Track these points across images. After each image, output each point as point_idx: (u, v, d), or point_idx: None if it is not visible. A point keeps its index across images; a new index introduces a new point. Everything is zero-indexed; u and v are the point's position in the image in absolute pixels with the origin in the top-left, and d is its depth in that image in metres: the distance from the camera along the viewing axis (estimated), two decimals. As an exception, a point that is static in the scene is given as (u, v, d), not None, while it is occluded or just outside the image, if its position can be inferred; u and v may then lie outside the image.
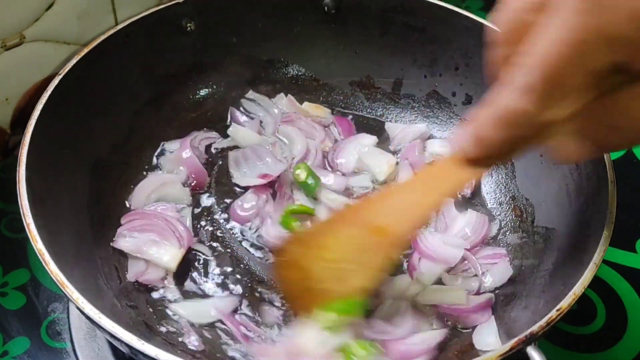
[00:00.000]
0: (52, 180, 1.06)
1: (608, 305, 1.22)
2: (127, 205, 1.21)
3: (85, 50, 1.17)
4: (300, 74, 1.43)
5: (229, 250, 1.18)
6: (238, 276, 1.14)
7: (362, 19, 1.36)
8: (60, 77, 1.12)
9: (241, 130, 1.34)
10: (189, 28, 1.31)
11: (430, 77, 1.35)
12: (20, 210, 0.95)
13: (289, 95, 1.41)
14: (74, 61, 1.15)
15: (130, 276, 1.11)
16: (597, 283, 1.24)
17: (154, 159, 1.30)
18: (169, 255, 1.12)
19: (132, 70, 1.27)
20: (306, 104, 1.41)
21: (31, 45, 1.22)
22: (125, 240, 1.13)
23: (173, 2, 1.28)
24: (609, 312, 1.21)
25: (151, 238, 1.13)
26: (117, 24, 1.30)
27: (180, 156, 1.27)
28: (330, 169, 1.31)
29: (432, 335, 1.04)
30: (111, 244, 1.13)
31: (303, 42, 1.40)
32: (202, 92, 1.38)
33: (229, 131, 1.34)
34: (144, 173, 1.27)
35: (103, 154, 1.21)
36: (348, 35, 1.38)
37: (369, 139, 1.34)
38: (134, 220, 1.15)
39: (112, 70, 1.22)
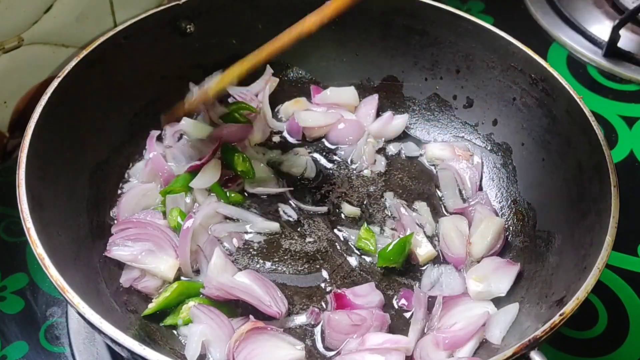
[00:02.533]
0: (51, 184, 1.05)
1: (610, 309, 1.22)
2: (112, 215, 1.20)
3: (84, 53, 1.16)
4: (300, 76, 1.43)
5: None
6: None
7: (363, 22, 1.35)
8: (59, 80, 1.11)
9: (192, 123, 1.30)
10: (188, 30, 1.31)
11: (431, 79, 1.35)
12: (20, 214, 0.94)
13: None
14: (72, 64, 1.14)
15: (124, 281, 1.10)
16: (598, 287, 1.21)
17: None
18: (166, 266, 1.10)
19: (131, 72, 1.26)
20: (285, 104, 1.40)
21: (30, 48, 1.21)
22: (119, 249, 1.10)
23: (172, 4, 1.27)
24: (610, 316, 1.21)
25: (147, 247, 1.11)
26: (116, 26, 1.30)
27: (147, 159, 1.26)
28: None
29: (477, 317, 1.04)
30: (105, 253, 1.11)
31: (303, 45, 1.37)
32: (202, 95, 1.37)
33: (181, 125, 1.29)
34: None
35: (102, 157, 1.21)
36: (348, 38, 1.38)
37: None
38: (128, 229, 1.13)
39: (111, 72, 1.21)
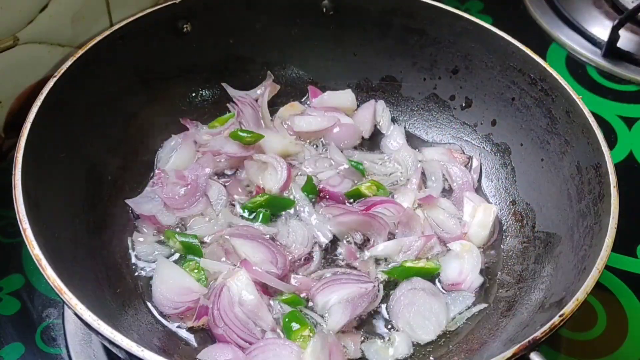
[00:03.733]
0: (47, 185, 1.05)
1: (609, 310, 1.21)
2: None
3: (80, 53, 1.15)
4: (298, 76, 1.42)
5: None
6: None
7: (361, 21, 1.35)
8: (55, 79, 1.10)
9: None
10: (185, 29, 1.30)
11: (430, 80, 1.35)
12: (17, 215, 0.94)
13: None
14: (68, 63, 1.13)
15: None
16: (598, 288, 1.21)
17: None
18: None
19: (127, 72, 1.25)
20: (280, 110, 1.38)
21: (25, 47, 1.20)
22: None
23: (169, 3, 1.27)
24: (609, 318, 1.20)
25: None
26: (112, 25, 1.29)
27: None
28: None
29: None
30: None
31: (301, 45, 1.39)
32: (199, 94, 1.37)
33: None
34: (140, 178, 1.26)
35: (99, 158, 1.20)
36: (346, 38, 1.37)
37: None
38: None
39: (108, 72, 1.21)
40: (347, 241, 1.18)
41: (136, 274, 1.14)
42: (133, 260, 1.16)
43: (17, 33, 1.18)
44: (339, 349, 1.03)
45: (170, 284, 1.09)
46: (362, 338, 1.07)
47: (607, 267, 1.22)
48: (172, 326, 1.07)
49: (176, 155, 1.28)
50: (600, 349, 1.17)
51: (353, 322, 1.08)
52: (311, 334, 1.03)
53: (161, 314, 1.09)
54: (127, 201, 1.20)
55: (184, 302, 1.07)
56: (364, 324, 1.09)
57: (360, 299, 1.08)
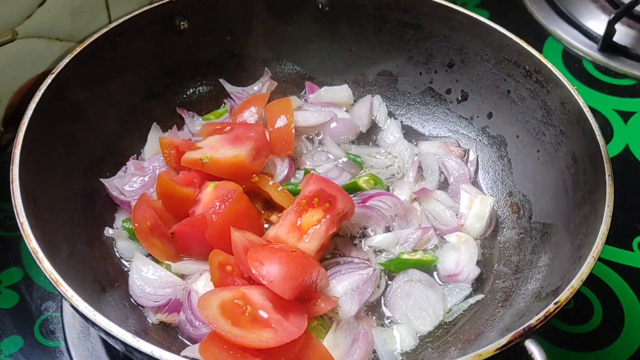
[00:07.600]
0: (45, 179, 1.05)
1: (605, 303, 1.21)
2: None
3: (79, 49, 1.16)
4: (295, 72, 1.42)
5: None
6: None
7: (356, 17, 1.35)
8: (53, 76, 1.11)
9: None
10: (182, 27, 1.31)
11: (426, 74, 1.35)
12: (14, 209, 0.94)
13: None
14: (66, 60, 1.14)
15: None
16: (594, 281, 1.23)
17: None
18: None
19: (126, 68, 1.26)
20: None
21: (24, 41, 1.21)
22: None
23: (166, 1, 1.27)
24: (605, 311, 1.20)
25: None
26: (110, 21, 1.29)
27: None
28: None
29: None
30: None
31: (297, 41, 1.39)
32: (197, 90, 1.37)
33: None
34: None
35: (97, 154, 1.21)
36: (342, 33, 1.38)
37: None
38: None
39: (106, 68, 1.21)
40: (344, 235, 1.19)
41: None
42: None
43: (16, 27, 1.19)
44: (366, 337, 1.04)
45: (149, 278, 1.09)
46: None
47: (604, 261, 1.24)
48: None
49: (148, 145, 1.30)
50: (597, 342, 1.17)
51: (361, 312, 1.09)
52: (318, 322, 1.06)
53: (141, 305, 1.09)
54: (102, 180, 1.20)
55: (164, 295, 1.07)
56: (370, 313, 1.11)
57: (365, 285, 1.09)
